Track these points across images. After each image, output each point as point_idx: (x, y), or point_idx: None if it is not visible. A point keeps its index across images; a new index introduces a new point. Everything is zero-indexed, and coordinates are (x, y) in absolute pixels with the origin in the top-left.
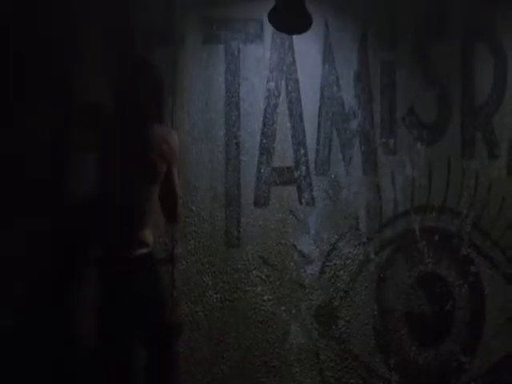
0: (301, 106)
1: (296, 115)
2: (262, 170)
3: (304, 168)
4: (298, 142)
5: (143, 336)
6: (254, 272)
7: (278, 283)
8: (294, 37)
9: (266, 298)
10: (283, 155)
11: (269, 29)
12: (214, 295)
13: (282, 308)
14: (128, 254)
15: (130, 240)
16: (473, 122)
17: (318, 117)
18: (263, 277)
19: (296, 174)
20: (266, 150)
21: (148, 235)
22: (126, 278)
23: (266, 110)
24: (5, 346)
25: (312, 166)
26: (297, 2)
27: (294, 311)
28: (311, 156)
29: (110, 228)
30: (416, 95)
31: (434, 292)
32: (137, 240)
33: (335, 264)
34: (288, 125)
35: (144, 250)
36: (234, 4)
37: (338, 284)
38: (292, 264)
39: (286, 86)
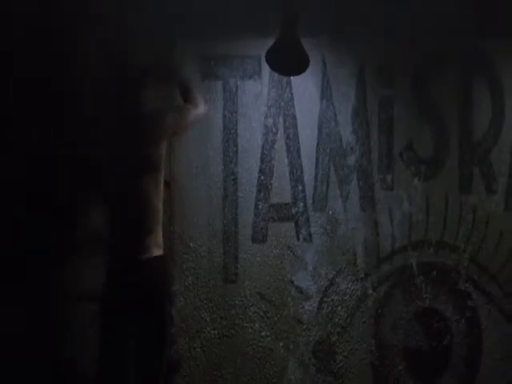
0: (298, 142)
1: (294, 151)
2: (260, 207)
3: (302, 204)
4: (296, 178)
5: (140, 370)
6: (251, 308)
7: (275, 319)
8: None
9: (263, 333)
10: (281, 191)
11: (267, 65)
12: (212, 331)
13: (280, 344)
14: (138, 256)
15: (141, 240)
16: (471, 157)
17: (316, 153)
18: (261, 313)
19: (294, 211)
20: (263, 187)
21: (160, 235)
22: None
23: (263, 146)
24: None
25: (310, 202)
26: (294, 43)
27: (291, 347)
28: (309, 192)
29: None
30: (414, 131)
31: (432, 327)
32: (148, 240)
33: (333, 300)
34: (286, 161)
35: (157, 252)
36: (232, 41)
37: (336, 320)
38: (290, 300)
39: (284, 122)
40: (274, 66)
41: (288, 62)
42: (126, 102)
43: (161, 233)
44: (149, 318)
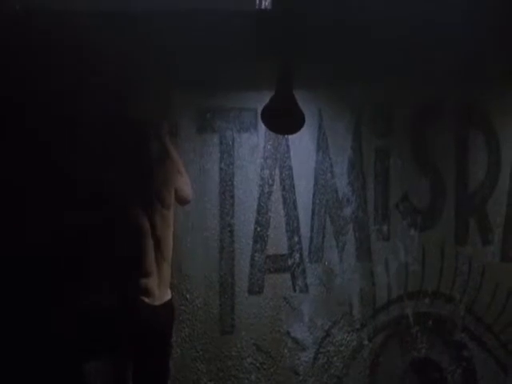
0: (295, 193)
1: (290, 203)
2: (256, 258)
3: (298, 255)
4: (292, 229)
5: None
6: (248, 359)
7: (271, 370)
8: None
9: None
10: (277, 243)
11: None
12: (209, 382)
13: None
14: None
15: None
16: (467, 208)
17: (312, 204)
18: (257, 364)
19: (290, 262)
20: (259, 238)
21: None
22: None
23: (260, 198)
24: None
25: (306, 253)
26: (290, 102)
27: None
28: (305, 243)
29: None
30: (410, 181)
31: (428, 377)
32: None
33: (329, 351)
34: (282, 212)
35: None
36: (228, 93)
37: (332, 370)
38: (286, 351)
39: (280, 173)
40: (269, 125)
41: (283, 121)
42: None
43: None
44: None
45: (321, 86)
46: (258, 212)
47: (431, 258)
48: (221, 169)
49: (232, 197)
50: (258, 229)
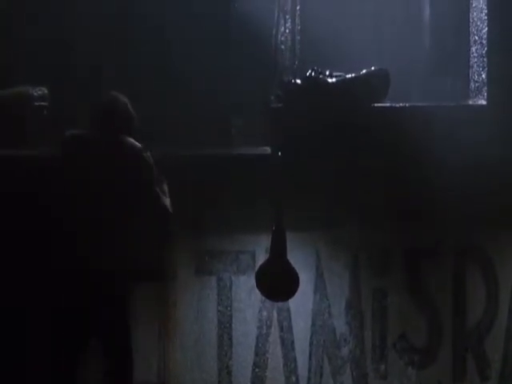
0: (292, 334)
1: (287, 344)
2: None
3: None
4: (290, 370)
5: None
6: None
7: None
8: None
9: None
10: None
11: (260, 260)
12: None
13: None
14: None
15: None
16: (464, 345)
17: (310, 345)
18: None
19: None
20: (257, 379)
21: None
22: None
23: (257, 339)
24: None
25: None
26: (284, 268)
27: None
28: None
29: None
30: (407, 320)
31: None
32: None
33: None
34: (279, 353)
35: None
36: (225, 236)
37: None
38: None
39: (278, 315)
40: (263, 291)
41: (278, 287)
42: None
43: None
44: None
45: (317, 227)
46: (256, 353)
47: None
48: (219, 311)
49: (230, 338)
50: (256, 370)
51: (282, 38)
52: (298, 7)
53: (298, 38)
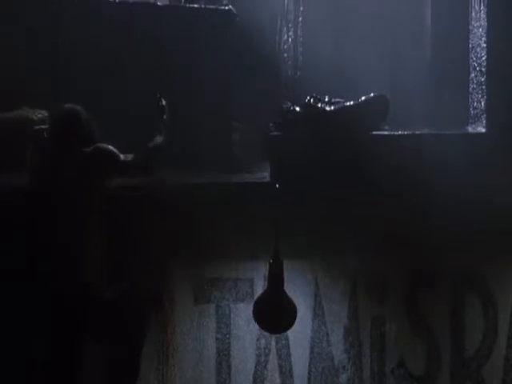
0: (291, 362)
1: (286, 371)
2: None
3: None
4: None
5: None
6: None
7: None
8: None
9: None
10: None
11: (258, 288)
12: None
13: None
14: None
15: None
16: (462, 373)
17: (308, 373)
18: None
19: None
20: None
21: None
22: None
23: (256, 366)
24: None
25: None
26: (282, 301)
27: None
28: None
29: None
30: (405, 347)
31: None
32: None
33: None
34: (278, 381)
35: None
36: (224, 264)
37: None
38: None
39: (277, 343)
40: (261, 325)
41: (275, 322)
42: None
43: None
44: None
45: (317, 255)
46: (255, 381)
47: None
48: (217, 338)
49: (228, 366)
50: None
51: (285, 47)
52: (299, 18)
53: (301, 49)
